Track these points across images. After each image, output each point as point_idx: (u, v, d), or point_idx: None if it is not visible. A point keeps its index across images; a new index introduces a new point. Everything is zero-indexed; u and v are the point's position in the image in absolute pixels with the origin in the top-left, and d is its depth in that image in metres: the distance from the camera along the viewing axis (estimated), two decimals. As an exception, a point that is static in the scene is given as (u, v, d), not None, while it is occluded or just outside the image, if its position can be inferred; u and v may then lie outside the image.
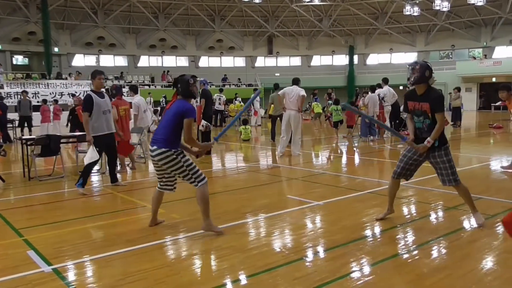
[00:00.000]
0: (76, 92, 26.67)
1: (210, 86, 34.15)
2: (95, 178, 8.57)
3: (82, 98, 9.87)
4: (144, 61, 39.09)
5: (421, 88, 4.75)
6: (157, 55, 39.25)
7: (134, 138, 10.30)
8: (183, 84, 4.69)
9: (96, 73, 7.18)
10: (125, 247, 4.33)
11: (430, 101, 4.67)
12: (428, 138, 4.65)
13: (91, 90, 7.19)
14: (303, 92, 10.72)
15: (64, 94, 26.39)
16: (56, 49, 33.86)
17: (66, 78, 30.54)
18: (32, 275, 3.73)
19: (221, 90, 23.14)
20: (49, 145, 8.24)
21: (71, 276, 3.77)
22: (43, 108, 17.49)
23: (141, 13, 36.82)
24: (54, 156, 8.62)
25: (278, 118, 13.00)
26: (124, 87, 29.50)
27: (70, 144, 12.17)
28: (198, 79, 4.84)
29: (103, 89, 7.31)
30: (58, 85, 28.12)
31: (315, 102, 21.78)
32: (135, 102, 10.35)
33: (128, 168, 9.07)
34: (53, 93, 26.64)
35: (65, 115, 19.37)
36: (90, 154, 6.94)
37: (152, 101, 25.50)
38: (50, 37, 31.90)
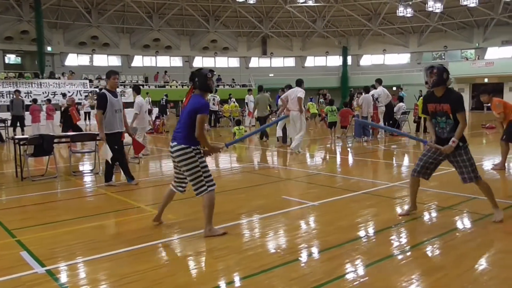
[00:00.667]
0: (69, 92, 26.53)
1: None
2: (87, 178, 8.52)
3: (75, 97, 9.83)
4: (138, 61, 38.97)
5: (440, 90, 4.92)
6: (151, 55, 39.15)
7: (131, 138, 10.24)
8: (201, 78, 4.68)
9: (111, 73, 7.30)
10: (120, 248, 4.30)
11: (450, 102, 4.85)
12: (453, 138, 4.80)
13: (105, 89, 7.36)
14: (299, 94, 11.04)
15: (57, 94, 26.22)
16: (49, 48, 33.67)
17: (59, 78, 30.38)
18: (25, 276, 3.68)
19: (215, 91, 23.06)
20: (42, 145, 8.17)
21: (65, 277, 3.74)
22: (33, 108, 17.33)
23: (135, 13, 36.70)
24: (47, 156, 8.55)
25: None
26: (118, 86, 29.45)
27: (62, 144, 12.08)
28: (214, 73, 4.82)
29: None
30: (51, 85, 27.97)
31: (310, 102, 21.82)
32: (138, 102, 10.57)
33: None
34: (45, 92, 26.49)
35: (58, 114, 19.32)
36: (106, 152, 7.14)
37: (150, 101, 25.41)
38: (43, 36, 31.72)
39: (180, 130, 4.64)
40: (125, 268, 3.83)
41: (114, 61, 38.32)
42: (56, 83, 28.46)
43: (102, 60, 37.84)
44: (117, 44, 37.53)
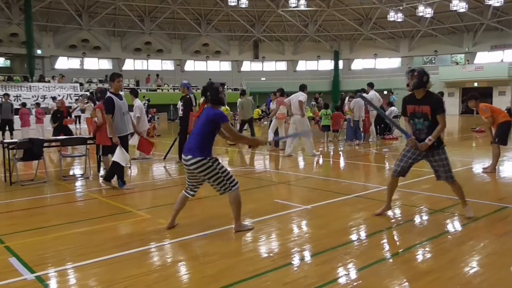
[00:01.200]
0: (59, 95, 26.34)
1: (196, 90, 34.24)
2: (78, 183, 8.44)
3: (65, 101, 9.80)
4: (129, 64, 38.84)
5: (420, 92, 5.12)
6: (142, 59, 39.06)
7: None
8: (213, 91, 4.83)
9: (115, 76, 7.36)
10: (111, 254, 4.24)
11: (431, 104, 5.05)
12: (430, 137, 5.00)
13: (110, 92, 7.35)
14: (300, 97, 11.39)
15: (47, 97, 26.03)
16: (39, 51, 33.45)
17: (49, 81, 30.15)
18: (14, 283, 3.62)
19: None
20: (32, 149, 8.08)
21: (54, 284, 3.68)
22: (22, 112, 17.18)
23: (127, 16, 36.62)
24: (37, 161, 8.46)
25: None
26: (109, 90, 29.29)
27: (52, 148, 11.97)
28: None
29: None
30: (41, 88, 27.76)
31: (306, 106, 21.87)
32: (138, 105, 11.00)
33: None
34: (35, 96, 26.28)
35: (48, 118, 19.11)
36: (121, 156, 7.13)
37: (147, 104, 25.28)
38: (33, 39, 31.50)
39: (193, 142, 4.75)
40: (115, 274, 3.78)
41: (105, 64, 38.18)
42: (46, 87, 28.25)
43: (93, 63, 37.68)
44: (108, 47, 37.40)
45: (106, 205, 6.63)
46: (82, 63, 37.28)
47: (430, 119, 5.06)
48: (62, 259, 4.15)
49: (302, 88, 11.71)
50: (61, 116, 12.99)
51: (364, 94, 14.57)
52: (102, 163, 8.83)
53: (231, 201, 4.86)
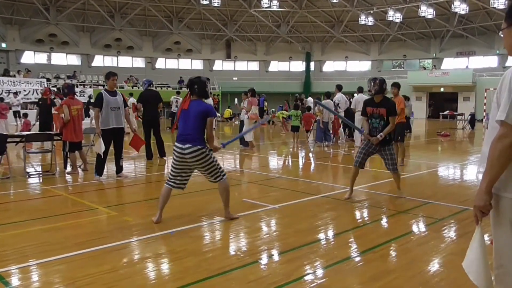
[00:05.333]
0: (24, 90, 25.59)
1: (167, 88, 33.92)
2: (43, 179, 8.23)
3: (32, 97, 9.64)
4: (99, 60, 38.07)
5: (379, 97, 6.25)
6: (112, 55, 38.35)
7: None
8: (201, 85, 5.10)
9: (110, 75, 7.92)
10: (75, 251, 4.17)
11: (387, 107, 6.16)
12: (381, 133, 6.11)
13: (104, 89, 8.03)
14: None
15: (11, 92, 25.22)
16: (3, 45, 32.44)
17: (14, 76, 29.22)
18: (-28, 280, 3.52)
19: (178, 93, 22.81)
20: (-6, 145, 7.84)
21: (16, 281, 3.59)
22: None
23: (96, 12, 35.91)
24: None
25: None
26: (77, 86, 28.60)
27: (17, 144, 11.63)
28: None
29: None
30: (5, 83, 26.83)
31: (280, 111, 22.11)
32: (132, 101, 11.70)
33: (80, 170, 8.77)
34: (-1, 90, 25.41)
35: (11, 114, 18.51)
36: (99, 146, 7.74)
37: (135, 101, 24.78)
38: (-2, 32, 30.47)
39: (191, 132, 4.99)
40: (78, 271, 3.71)
41: (73, 60, 37.34)
42: (10, 81, 27.34)
43: (61, 59, 36.76)
44: (77, 42, 36.58)
45: (71, 202, 6.51)
46: (49, 58, 36.29)
47: (385, 119, 6.16)
48: (23, 256, 4.05)
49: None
50: (43, 103, 12.78)
51: (335, 97, 14.81)
52: (68, 160, 8.66)
53: (222, 190, 5.26)
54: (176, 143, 5.06)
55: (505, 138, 2.08)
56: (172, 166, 5.17)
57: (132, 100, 11.79)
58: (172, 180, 5.17)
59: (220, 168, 5.20)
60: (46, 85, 28.20)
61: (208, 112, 5.06)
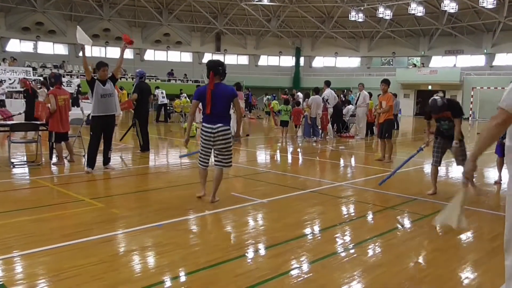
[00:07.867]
0: (10, 79, 25.14)
1: (156, 80, 33.62)
2: (28, 169, 8.13)
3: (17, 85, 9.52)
4: (86, 51, 37.54)
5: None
6: (100, 45, 37.87)
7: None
8: (224, 67, 5.57)
9: (100, 65, 7.96)
10: (60, 242, 4.13)
11: (451, 110, 6.38)
12: (455, 141, 6.43)
13: (96, 79, 7.97)
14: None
15: (-4, 80, 24.75)
16: (-12, 32, 31.85)
17: (-1, 64, 28.71)
18: (-46, 271, 3.46)
19: (157, 88, 22.00)
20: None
21: (0, 272, 3.55)
22: None
23: (84, 1, 35.43)
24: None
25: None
26: (64, 76, 28.20)
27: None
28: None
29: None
30: (-11, 71, 26.36)
31: (274, 101, 22.03)
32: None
33: (66, 161, 8.67)
34: (-17, 79, 24.94)
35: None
36: (84, 37, 8.30)
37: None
38: (-18, 19, 29.89)
39: (222, 113, 5.45)
40: (63, 263, 3.68)
41: (60, 49, 36.83)
42: (-5, 69, 26.85)
43: (48, 47, 36.23)
44: (64, 32, 36.05)
45: (57, 193, 6.44)
46: (35, 47, 35.75)
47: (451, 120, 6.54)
48: (8, 247, 4.00)
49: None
50: (27, 94, 12.68)
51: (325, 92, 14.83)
52: (54, 150, 8.56)
53: (219, 175, 5.62)
54: (204, 124, 5.41)
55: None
56: (202, 147, 5.58)
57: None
58: (204, 161, 5.66)
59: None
60: (32, 74, 27.80)
61: (234, 93, 5.59)
